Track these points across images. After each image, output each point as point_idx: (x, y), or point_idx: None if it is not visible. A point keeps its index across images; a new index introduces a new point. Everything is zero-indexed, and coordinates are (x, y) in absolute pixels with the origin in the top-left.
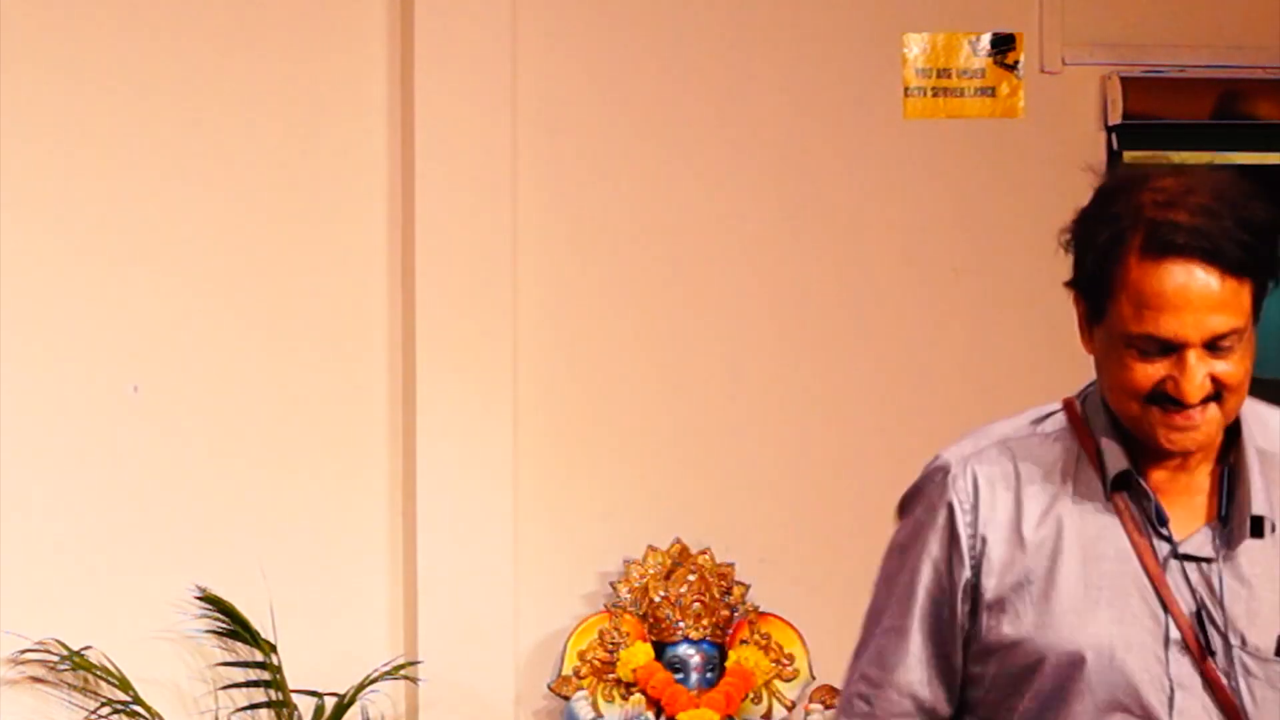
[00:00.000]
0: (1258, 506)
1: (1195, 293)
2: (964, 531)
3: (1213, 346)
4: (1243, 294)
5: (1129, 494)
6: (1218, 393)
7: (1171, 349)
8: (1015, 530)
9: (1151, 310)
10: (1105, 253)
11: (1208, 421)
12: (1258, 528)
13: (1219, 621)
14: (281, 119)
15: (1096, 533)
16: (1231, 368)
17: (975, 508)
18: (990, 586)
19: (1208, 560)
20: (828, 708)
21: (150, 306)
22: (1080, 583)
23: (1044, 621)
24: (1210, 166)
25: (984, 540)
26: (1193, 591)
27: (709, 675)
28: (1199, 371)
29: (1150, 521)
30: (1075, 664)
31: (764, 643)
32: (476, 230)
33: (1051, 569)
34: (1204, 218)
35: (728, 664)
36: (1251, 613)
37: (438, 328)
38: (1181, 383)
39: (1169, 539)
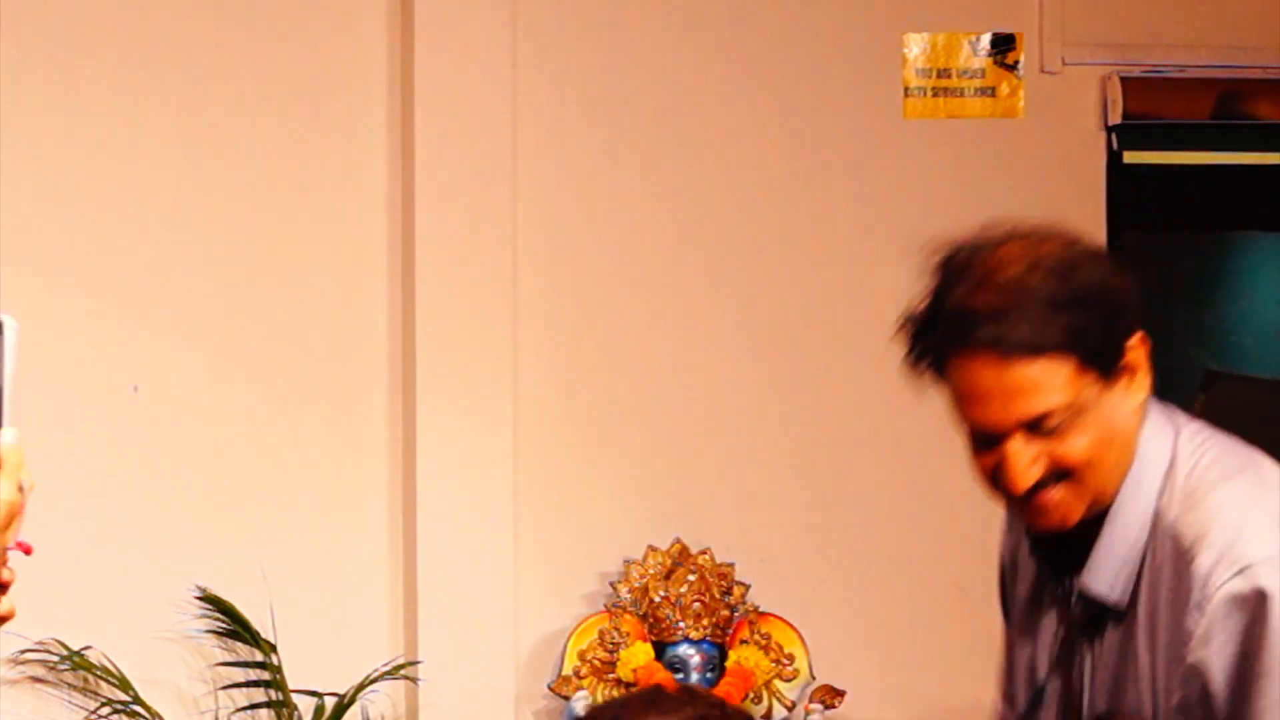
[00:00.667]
0: (1089, 579)
1: (994, 381)
2: (1006, 543)
3: (1037, 428)
4: (1060, 370)
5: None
6: (1063, 472)
7: (994, 437)
8: (1017, 553)
9: (963, 400)
10: (926, 344)
11: (1061, 504)
12: (1089, 603)
13: (1083, 688)
14: (281, 118)
15: (1040, 580)
16: (1072, 444)
17: (1011, 525)
18: (1013, 599)
19: (1077, 625)
20: (828, 707)
21: (150, 307)
22: (1021, 621)
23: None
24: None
25: (1010, 558)
26: (1071, 655)
27: (709, 675)
28: (1021, 458)
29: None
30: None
31: (764, 643)
32: (476, 231)
33: (1017, 604)
34: (1006, 298)
35: (728, 664)
36: (1099, 683)
37: (437, 328)
38: (1003, 471)
39: (1066, 599)
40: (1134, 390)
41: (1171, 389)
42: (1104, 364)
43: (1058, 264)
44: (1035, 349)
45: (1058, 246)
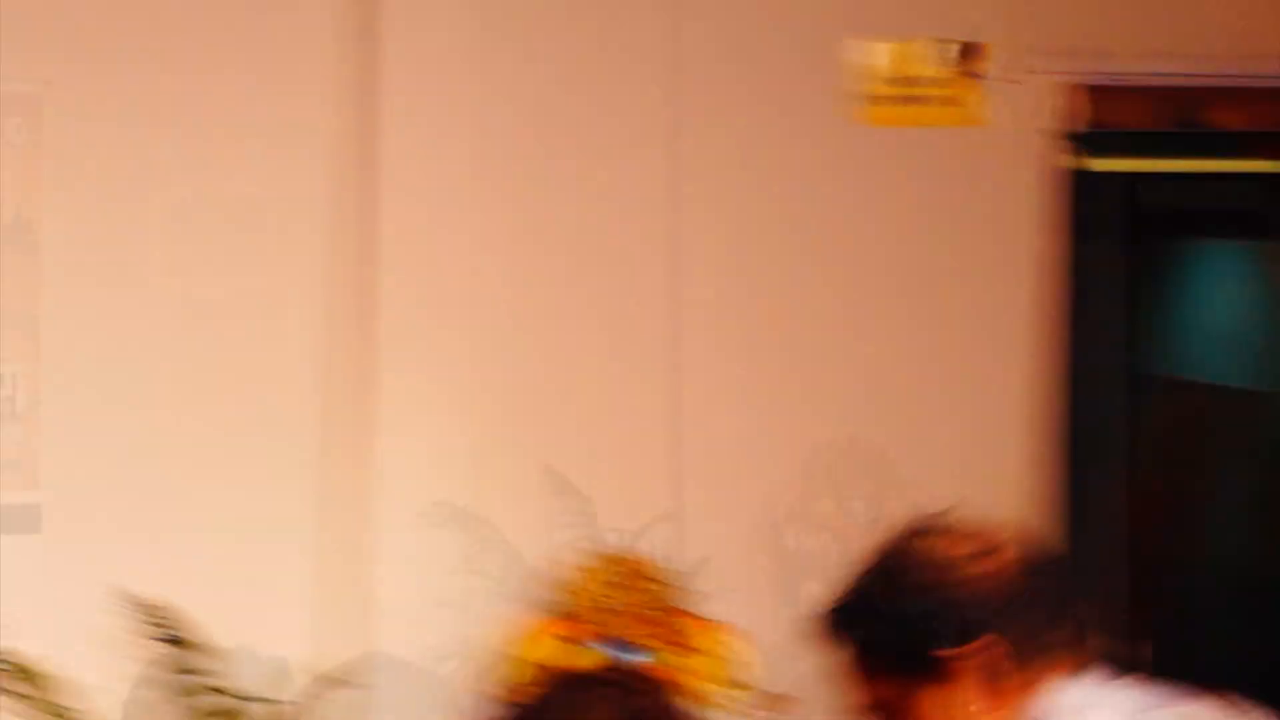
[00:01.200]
0: None
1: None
2: None
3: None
4: (868, 667)
5: None
6: None
7: None
8: None
9: None
10: None
11: None
12: None
13: None
14: (244, 133)
15: None
16: None
17: None
18: None
19: None
20: (772, 715)
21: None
22: None
23: None
24: None
25: None
26: None
27: None
28: None
29: None
30: None
31: (700, 647)
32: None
33: None
34: (850, 588)
35: (667, 670)
36: None
37: (388, 337)
38: None
39: None
40: (971, 690)
41: (1123, 397)
42: (917, 669)
43: (904, 567)
44: (842, 641)
45: (930, 553)
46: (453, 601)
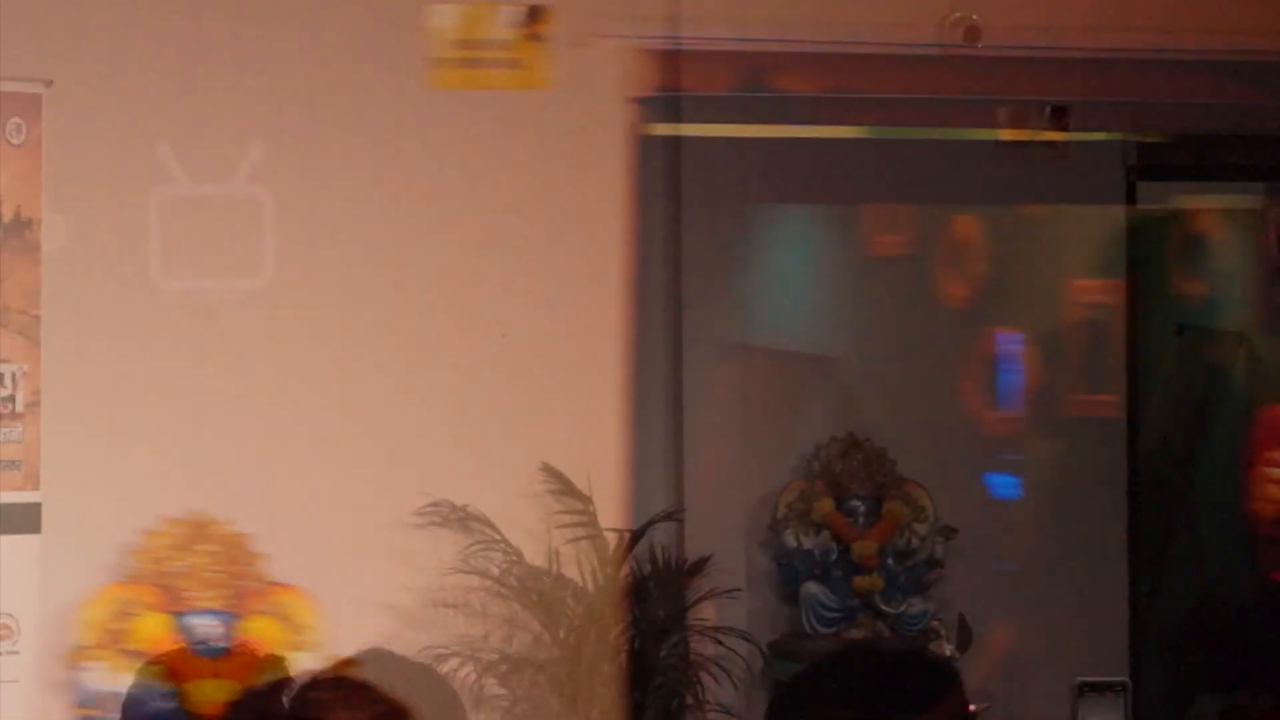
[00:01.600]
0: None
1: None
2: None
3: None
4: None
5: None
6: None
7: None
8: None
9: None
10: None
11: None
12: None
13: None
14: None
15: None
16: None
17: None
18: None
19: None
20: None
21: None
22: None
23: None
24: None
25: None
26: None
27: (224, 645)
28: None
29: None
30: None
31: (278, 613)
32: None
33: None
34: None
35: (243, 634)
36: None
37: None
38: None
39: None
40: None
41: (698, 362)
42: None
43: None
44: None
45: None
46: (21, 568)
